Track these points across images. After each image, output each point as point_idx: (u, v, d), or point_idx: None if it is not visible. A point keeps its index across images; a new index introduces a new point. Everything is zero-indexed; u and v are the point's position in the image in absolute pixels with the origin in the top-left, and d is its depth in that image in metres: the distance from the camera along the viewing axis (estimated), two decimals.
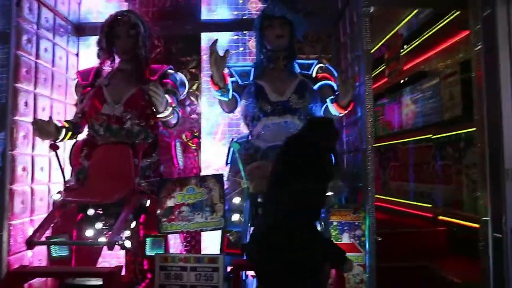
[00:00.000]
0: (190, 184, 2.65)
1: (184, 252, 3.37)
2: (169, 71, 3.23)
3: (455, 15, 4.03)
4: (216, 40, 2.69)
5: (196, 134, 3.90)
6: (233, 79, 3.20)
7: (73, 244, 2.62)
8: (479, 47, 2.91)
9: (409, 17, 4.82)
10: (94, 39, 3.25)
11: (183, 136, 3.86)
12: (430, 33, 4.66)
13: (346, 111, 3.01)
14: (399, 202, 5.82)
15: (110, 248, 2.27)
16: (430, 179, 4.89)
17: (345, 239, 2.78)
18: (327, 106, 3.06)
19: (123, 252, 2.82)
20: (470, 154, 3.97)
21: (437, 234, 4.34)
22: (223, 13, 4.09)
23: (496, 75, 2.73)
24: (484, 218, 2.77)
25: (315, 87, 3.25)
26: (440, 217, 4.50)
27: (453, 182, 4.32)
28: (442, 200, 4.59)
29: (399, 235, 4.23)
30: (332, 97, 3.02)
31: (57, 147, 2.79)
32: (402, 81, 5.50)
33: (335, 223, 2.80)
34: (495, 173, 2.68)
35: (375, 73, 6.23)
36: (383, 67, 6.03)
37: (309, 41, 4.08)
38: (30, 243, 2.37)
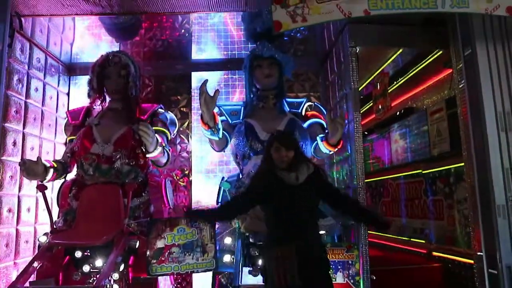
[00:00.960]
0: (180, 224, 2.60)
1: None
2: (159, 110, 3.24)
3: (439, 53, 4.15)
4: (206, 81, 2.72)
5: (187, 172, 3.88)
6: (223, 118, 3.23)
7: None
8: (462, 84, 2.99)
9: (395, 56, 4.95)
10: (85, 79, 3.27)
11: (174, 175, 3.84)
12: (415, 71, 4.77)
13: (336, 149, 3.02)
14: (392, 238, 5.76)
15: None
16: (422, 214, 4.87)
17: (339, 278, 2.73)
18: (317, 143, 3.08)
19: None
20: (460, 189, 3.98)
21: (432, 271, 4.27)
22: (213, 53, 4.17)
23: (480, 111, 2.79)
24: (478, 254, 2.75)
25: (305, 125, 3.29)
26: (435, 253, 4.45)
27: (445, 217, 4.31)
28: (435, 235, 4.55)
29: (394, 272, 4.15)
30: (322, 135, 3.04)
31: (45, 188, 2.75)
32: (389, 118, 5.58)
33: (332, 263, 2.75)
34: (486, 209, 2.69)
35: (364, 109, 6.32)
36: (371, 104, 6.13)
37: (299, 80, 4.17)
38: None
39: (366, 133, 6.64)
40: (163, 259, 2.53)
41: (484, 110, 2.76)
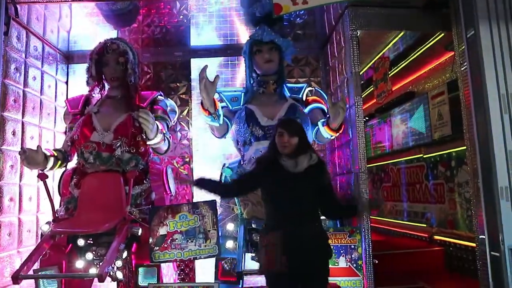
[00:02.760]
0: (182, 211, 2.60)
1: (178, 281, 3.28)
2: (159, 97, 3.22)
3: (440, 36, 4.10)
4: (206, 66, 2.69)
5: (187, 160, 3.87)
6: (223, 104, 3.20)
7: (62, 277, 2.54)
8: (465, 67, 2.95)
9: (396, 39, 4.90)
10: (83, 67, 3.24)
11: (174, 162, 3.83)
12: (416, 55, 4.73)
13: (338, 134, 3.00)
14: (393, 223, 5.79)
15: (101, 280, 2.19)
16: (423, 198, 4.88)
17: (342, 263, 2.74)
18: (318, 129, 3.06)
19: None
20: (462, 173, 3.98)
21: (433, 254, 4.29)
22: (212, 39, 4.13)
23: (483, 94, 2.76)
24: (480, 237, 2.75)
25: (306, 110, 3.26)
26: (436, 237, 4.47)
27: (446, 201, 4.31)
28: (436, 219, 4.56)
29: (396, 256, 4.17)
30: (323, 120, 3.02)
31: (46, 176, 2.74)
32: (390, 102, 5.55)
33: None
34: (488, 191, 2.68)
35: (365, 94, 6.29)
36: (372, 89, 6.09)
37: (299, 65, 4.13)
38: (17, 278, 2.27)
39: (367, 118, 6.61)
40: (165, 246, 2.54)
41: (487, 93, 2.73)
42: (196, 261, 3.16)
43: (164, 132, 2.95)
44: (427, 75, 4.76)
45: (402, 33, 4.73)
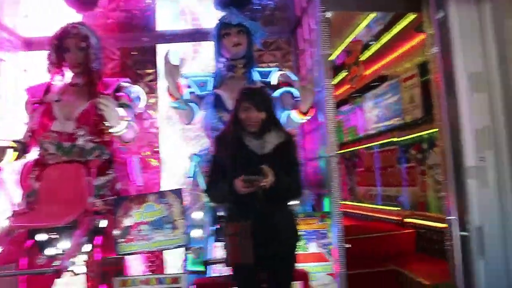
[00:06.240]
0: (148, 201, 2.51)
1: (148, 272, 3.20)
2: (124, 84, 3.09)
3: (412, 18, 4.09)
4: (169, 51, 2.60)
5: (156, 148, 3.77)
6: (191, 89, 3.11)
7: (17, 275, 2.42)
8: (435, 49, 2.94)
9: (367, 22, 4.88)
10: (44, 54, 3.08)
11: (142, 151, 3.72)
12: (388, 37, 4.72)
13: (308, 117, 2.96)
14: (367, 207, 5.84)
15: (57, 276, 2.08)
16: (395, 182, 4.93)
17: (313, 248, 2.71)
18: (288, 113, 3.01)
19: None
20: (433, 155, 4.01)
21: (405, 237, 4.34)
22: (179, 23, 4.00)
23: (453, 77, 2.76)
24: (449, 218, 2.77)
25: (276, 94, 3.20)
26: (407, 220, 4.51)
27: (418, 183, 4.35)
28: (408, 202, 4.61)
29: (368, 240, 4.21)
30: (293, 103, 2.97)
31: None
32: (364, 86, 5.56)
33: (303, 233, 2.72)
34: (457, 172, 2.69)
35: (338, 79, 6.27)
36: (345, 74, 6.08)
37: (270, 49, 4.06)
38: None
39: (341, 103, 6.62)
40: (131, 237, 2.44)
41: (457, 76, 2.73)
42: (165, 252, 3.08)
43: (128, 119, 2.84)
44: (399, 58, 4.76)
45: (374, 15, 4.70)
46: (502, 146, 2.70)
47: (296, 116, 2.94)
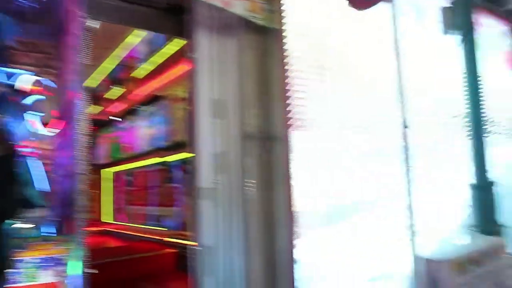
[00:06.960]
0: None
1: None
2: None
3: (184, 42, 4.21)
4: None
5: None
6: None
7: None
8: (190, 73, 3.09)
9: (139, 39, 4.83)
10: None
11: None
12: (161, 58, 4.76)
13: (55, 130, 2.68)
14: (137, 228, 5.70)
15: None
16: (163, 202, 4.95)
17: (47, 278, 2.39)
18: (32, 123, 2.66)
19: None
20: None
21: (165, 257, 4.36)
22: None
23: (197, 102, 2.93)
24: (190, 234, 2.89)
25: (26, 101, 2.81)
26: (170, 239, 4.57)
27: (181, 204, 4.47)
28: (171, 222, 4.68)
29: (128, 261, 4.07)
30: (38, 112, 2.64)
31: None
32: (137, 104, 5.47)
33: (35, 260, 2.39)
34: (191, 192, 2.85)
35: (116, 93, 6.03)
36: (122, 89, 5.90)
37: (28, 50, 3.57)
38: None
39: (119, 118, 6.40)
40: None
41: (199, 98, 2.93)
42: None
43: None
44: (172, 81, 4.86)
45: (146, 34, 4.70)
46: (235, 170, 2.98)
47: (41, 128, 2.62)
